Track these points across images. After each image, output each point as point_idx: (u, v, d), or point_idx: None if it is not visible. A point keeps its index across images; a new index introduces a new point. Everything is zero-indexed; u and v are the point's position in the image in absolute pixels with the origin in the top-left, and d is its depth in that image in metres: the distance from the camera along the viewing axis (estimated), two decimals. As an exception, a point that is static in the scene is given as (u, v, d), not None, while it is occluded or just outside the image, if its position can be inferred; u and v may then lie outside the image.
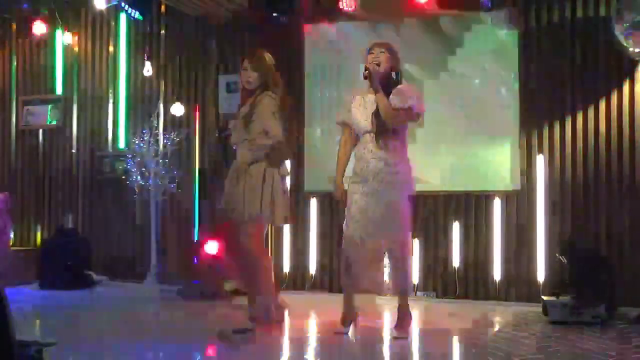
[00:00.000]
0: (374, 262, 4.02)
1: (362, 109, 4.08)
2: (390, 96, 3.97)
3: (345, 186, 4.14)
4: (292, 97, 4.45)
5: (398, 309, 4.13)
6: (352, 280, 4.06)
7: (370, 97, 4.06)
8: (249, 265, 4.37)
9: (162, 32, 6.66)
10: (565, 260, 4.76)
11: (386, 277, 4.07)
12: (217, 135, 4.56)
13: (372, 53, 4.08)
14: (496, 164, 5.54)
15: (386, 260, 4.06)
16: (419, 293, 5.63)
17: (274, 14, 5.97)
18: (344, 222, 4.10)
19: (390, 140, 3.98)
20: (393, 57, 4.10)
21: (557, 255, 4.98)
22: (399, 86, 4.05)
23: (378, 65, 4.02)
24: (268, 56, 4.43)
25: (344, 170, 4.18)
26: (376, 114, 3.97)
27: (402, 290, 4.08)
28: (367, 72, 3.98)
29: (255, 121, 4.25)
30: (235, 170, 4.35)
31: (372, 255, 4.01)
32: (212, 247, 5.57)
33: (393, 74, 4.09)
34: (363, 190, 3.98)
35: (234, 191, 4.29)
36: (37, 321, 4.85)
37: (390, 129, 3.96)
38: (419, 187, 5.60)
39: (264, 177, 4.24)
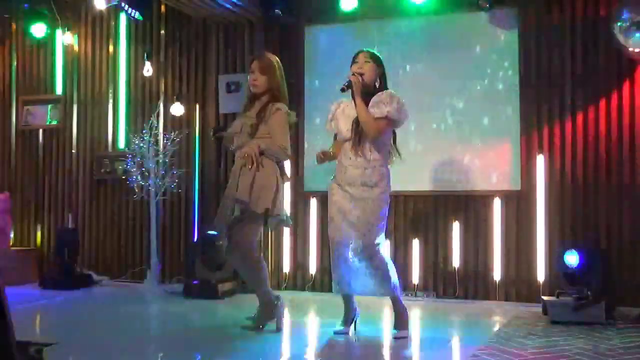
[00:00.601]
0: (349, 265, 4.01)
1: (344, 117, 4.11)
2: (369, 106, 3.98)
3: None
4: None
5: (392, 309, 4.14)
6: (339, 283, 4.07)
7: (352, 106, 4.07)
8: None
9: (162, 32, 6.66)
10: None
11: (363, 282, 4.04)
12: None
13: (357, 62, 4.09)
14: (496, 164, 5.54)
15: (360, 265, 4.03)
16: (419, 293, 5.63)
17: (274, 15, 5.99)
18: (328, 223, 4.14)
19: (368, 148, 4.00)
20: (377, 65, 4.10)
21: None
22: (377, 95, 4.02)
23: (362, 75, 4.02)
24: (277, 61, 4.35)
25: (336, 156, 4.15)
26: (356, 122, 4.01)
27: (384, 293, 4.08)
28: (346, 84, 3.99)
29: (263, 134, 4.18)
30: (234, 172, 4.26)
31: (347, 258, 4.00)
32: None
33: (377, 83, 4.09)
34: (341, 193, 4.04)
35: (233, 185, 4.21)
36: (37, 321, 4.86)
37: (369, 138, 3.98)
38: (419, 187, 5.70)
39: (261, 165, 4.15)
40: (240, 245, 4.18)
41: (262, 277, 4.23)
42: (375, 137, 3.98)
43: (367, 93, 4.03)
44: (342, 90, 4.02)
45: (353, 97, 4.00)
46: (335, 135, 4.21)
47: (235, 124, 4.37)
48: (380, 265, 4.00)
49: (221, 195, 6.10)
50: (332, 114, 4.20)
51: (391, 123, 4.01)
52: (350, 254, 3.98)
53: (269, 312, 4.23)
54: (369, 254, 3.97)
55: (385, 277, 4.01)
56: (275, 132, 4.16)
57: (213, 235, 5.78)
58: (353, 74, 4.03)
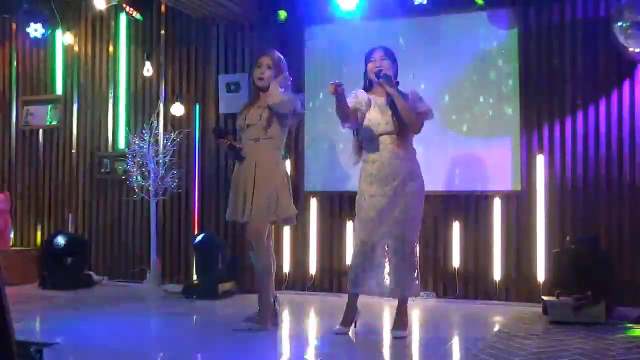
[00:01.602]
0: (381, 266, 4.02)
1: (377, 110, 4.12)
2: (410, 101, 4.07)
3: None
4: None
5: (396, 309, 4.13)
6: (363, 285, 4.06)
7: (381, 100, 4.12)
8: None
9: (162, 32, 6.66)
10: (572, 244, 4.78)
11: (390, 281, 4.04)
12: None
13: (373, 60, 4.13)
14: (496, 164, 5.54)
15: (389, 265, 4.04)
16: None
17: (274, 15, 6.00)
18: (356, 225, 4.16)
19: (407, 140, 4.12)
20: (393, 62, 4.16)
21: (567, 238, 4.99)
22: (412, 92, 4.14)
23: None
24: (283, 59, 4.41)
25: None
26: (396, 115, 4.04)
27: (407, 293, 4.08)
28: (384, 73, 4.04)
29: (277, 124, 4.27)
30: (247, 168, 4.28)
31: (381, 259, 4.01)
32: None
33: (396, 79, 4.15)
34: (383, 191, 4.03)
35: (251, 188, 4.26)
36: (37, 321, 4.85)
37: (408, 130, 4.07)
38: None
39: (285, 176, 4.34)
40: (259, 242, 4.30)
41: (270, 276, 4.34)
42: (419, 131, 4.12)
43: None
44: (385, 77, 4.02)
45: (389, 90, 4.03)
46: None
47: (250, 115, 4.33)
48: (414, 264, 4.04)
49: (221, 195, 6.16)
50: (362, 100, 4.14)
51: (425, 119, 4.13)
52: (383, 255, 3.98)
53: (270, 311, 4.30)
54: (408, 250, 4.01)
55: (412, 277, 4.05)
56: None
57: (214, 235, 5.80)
58: (379, 72, 4.05)
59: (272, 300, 4.33)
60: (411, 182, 4.06)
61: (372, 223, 4.03)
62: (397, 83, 4.08)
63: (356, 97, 4.17)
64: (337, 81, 3.92)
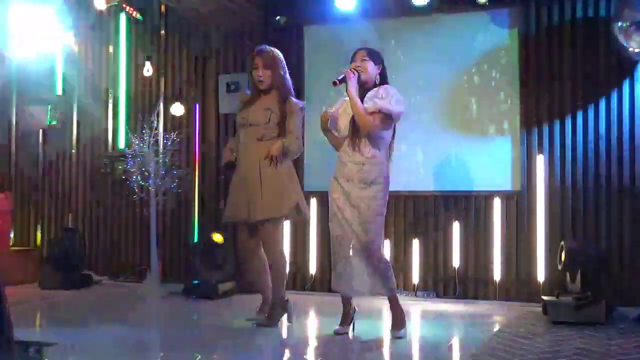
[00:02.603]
0: (348, 264, 4.01)
1: (345, 114, 4.11)
2: (363, 100, 3.99)
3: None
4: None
5: (390, 308, 4.14)
6: (338, 281, 4.08)
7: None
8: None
9: (162, 32, 6.66)
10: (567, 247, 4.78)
11: (360, 281, 4.04)
12: (223, 169, 4.55)
13: (355, 60, 4.09)
14: (496, 164, 5.54)
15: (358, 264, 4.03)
16: (419, 293, 5.63)
17: (274, 15, 6.00)
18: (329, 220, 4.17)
19: (365, 144, 4.00)
20: (376, 63, 4.09)
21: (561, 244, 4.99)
22: (373, 90, 4.03)
23: (359, 72, 4.01)
24: (278, 53, 4.42)
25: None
26: (353, 119, 4.01)
27: (384, 292, 4.08)
28: (339, 78, 4.00)
29: (284, 127, 4.30)
30: (251, 168, 4.29)
31: (346, 257, 4.00)
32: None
33: (377, 80, 4.08)
34: (341, 190, 4.04)
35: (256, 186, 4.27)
36: (37, 321, 4.85)
37: (363, 132, 3.98)
38: (419, 187, 5.69)
39: (290, 167, 4.38)
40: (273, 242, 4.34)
41: (286, 273, 4.43)
42: (369, 131, 3.95)
43: (367, 90, 4.03)
44: (334, 84, 4.01)
45: (347, 92, 3.98)
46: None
47: (253, 114, 4.33)
48: (380, 265, 4.01)
49: (221, 195, 6.15)
50: (338, 106, 4.19)
51: (386, 117, 3.95)
52: (350, 252, 3.99)
53: (283, 309, 4.36)
54: (368, 252, 3.98)
55: (385, 276, 4.01)
56: (297, 129, 4.31)
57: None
58: (349, 70, 4.02)
59: (285, 299, 4.38)
60: (367, 187, 3.97)
61: (334, 219, 4.08)
62: (334, 83, 3.99)
63: (335, 109, 4.21)
64: (330, 111, 4.10)
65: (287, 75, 4.42)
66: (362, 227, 3.97)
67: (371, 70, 4.05)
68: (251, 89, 4.53)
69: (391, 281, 4.05)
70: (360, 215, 3.97)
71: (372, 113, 3.93)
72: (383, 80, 4.11)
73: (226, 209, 4.43)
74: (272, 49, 4.45)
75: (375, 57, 4.11)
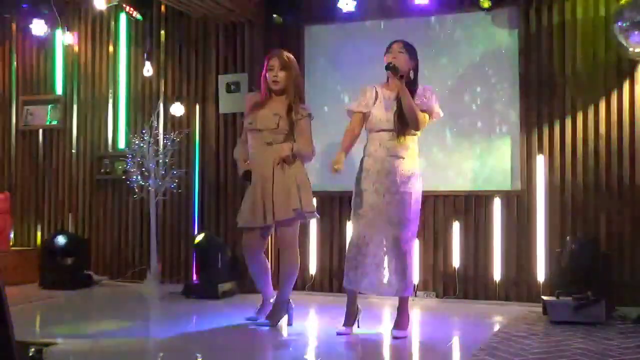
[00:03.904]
0: (376, 263, 4.01)
1: (382, 106, 4.07)
2: (414, 98, 3.98)
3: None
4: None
5: (397, 309, 4.13)
6: (356, 282, 4.05)
7: (388, 94, 4.07)
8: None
9: (162, 32, 6.66)
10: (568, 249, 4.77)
11: (386, 280, 4.03)
12: (242, 179, 4.54)
13: (390, 52, 4.06)
14: (496, 164, 5.54)
15: (386, 263, 4.03)
16: (419, 293, 5.63)
17: (274, 15, 6.00)
18: (352, 220, 4.12)
19: (408, 139, 4.03)
20: (412, 57, 4.08)
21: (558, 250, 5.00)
22: (420, 88, 4.06)
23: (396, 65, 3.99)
24: (291, 56, 4.40)
25: (348, 149, 4.14)
26: (399, 113, 3.98)
27: (403, 292, 4.07)
28: (392, 64, 3.95)
29: (292, 134, 4.28)
30: (264, 172, 4.28)
31: (375, 255, 4.00)
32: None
33: (411, 75, 4.07)
34: (375, 188, 4.01)
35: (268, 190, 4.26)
36: (37, 321, 4.85)
37: (411, 129, 3.99)
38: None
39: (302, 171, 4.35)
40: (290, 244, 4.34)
41: (296, 276, 4.45)
42: (420, 129, 4.02)
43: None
44: (392, 67, 3.94)
45: (396, 83, 3.94)
46: (354, 117, 4.16)
47: (262, 118, 4.30)
48: (409, 264, 4.02)
49: (221, 195, 6.15)
50: (369, 98, 4.11)
51: (429, 117, 4.07)
52: (378, 252, 3.97)
53: (285, 310, 4.37)
54: (403, 249, 3.97)
55: (409, 275, 4.04)
56: (306, 136, 4.28)
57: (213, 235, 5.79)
58: (389, 63, 3.97)
59: (289, 300, 4.39)
60: (406, 182, 3.99)
61: (365, 218, 4.02)
62: (402, 77, 3.93)
63: (364, 98, 4.13)
64: (336, 167, 4.00)
65: (301, 80, 4.41)
66: (403, 224, 3.97)
67: (406, 63, 4.03)
68: (264, 87, 4.42)
69: (412, 281, 4.09)
70: (401, 210, 3.96)
71: (424, 111, 4.00)
72: (416, 76, 4.10)
73: (241, 215, 4.38)
74: (286, 52, 4.42)
75: (411, 50, 4.09)
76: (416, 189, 4.06)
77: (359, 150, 4.24)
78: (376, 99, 4.11)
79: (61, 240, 6.24)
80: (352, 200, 4.15)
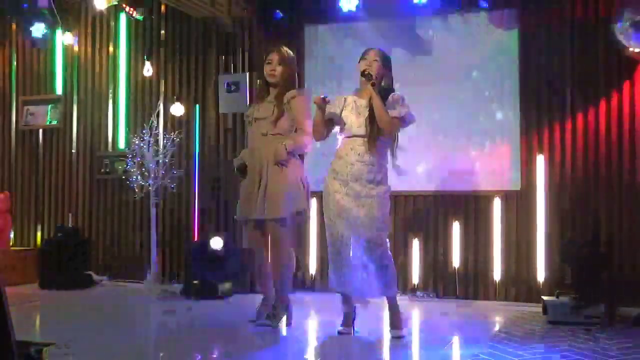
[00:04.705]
0: (355, 265, 4.00)
1: (354, 112, 4.10)
2: (385, 105, 4.00)
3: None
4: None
5: (389, 310, 4.15)
6: (339, 284, 4.06)
7: (361, 102, 4.09)
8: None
9: (162, 32, 6.66)
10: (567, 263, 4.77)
11: (367, 283, 4.03)
12: (237, 173, 4.54)
13: (365, 59, 4.11)
14: (496, 164, 5.54)
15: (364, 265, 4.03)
16: (419, 293, 5.63)
17: (274, 15, 6.00)
18: (325, 220, 4.14)
19: (378, 145, 4.04)
20: (385, 65, 4.13)
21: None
22: (392, 95, 4.07)
23: (370, 72, 4.05)
24: (291, 53, 4.48)
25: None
26: (371, 119, 4.01)
27: (390, 293, 4.08)
28: (367, 71, 4.02)
29: (287, 119, 4.29)
30: (257, 164, 4.30)
31: (353, 258, 4.00)
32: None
33: (384, 82, 4.12)
34: (345, 191, 4.03)
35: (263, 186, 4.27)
36: (37, 321, 4.85)
37: (380, 135, 4.01)
38: (419, 187, 5.69)
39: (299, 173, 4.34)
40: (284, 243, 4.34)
41: (290, 275, 4.45)
42: (391, 135, 4.05)
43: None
44: (367, 76, 4.00)
45: (370, 88, 3.98)
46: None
47: (262, 108, 4.38)
48: (389, 265, 4.03)
49: (221, 195, 6.15)
50: (343, 104, 4.14)
51: (402, 124, 4.08)
52: (352, 254, 3.97)
53: (284, 310, 4.37)
54: (378, 252, 3.98)
55: (392, 276, 4.04)
56: (300, 119, 4.28)
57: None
58: (364, 71, 4.03)
59: (288, 300, 4.39)
60: (374, 187, 4.01)
61: (336, 219, 4.04)
62: (374, 85, 3.99)
63: (333, 104, 4.17)
64: (323, 95, 4.05)
65: (295, 78, 4.47)
66: (373, 227, 3.97)
67: (379, 70, 4.09)
68: (258, 89, 4.56)
69: (396, 282, 4.09)
70: (370, 215, 3.97)
71: (394, 118, 4.01)
72: (391, 82, 4.17)
73: (238, 208, 4.45)
74: (287, 49, 4.49)
75: (385, 59, 4.15)
76: (384, 194, 4.06)
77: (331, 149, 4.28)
78: (343, 105, 4.14)
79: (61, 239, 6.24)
80: (323, 200, 4.16)
